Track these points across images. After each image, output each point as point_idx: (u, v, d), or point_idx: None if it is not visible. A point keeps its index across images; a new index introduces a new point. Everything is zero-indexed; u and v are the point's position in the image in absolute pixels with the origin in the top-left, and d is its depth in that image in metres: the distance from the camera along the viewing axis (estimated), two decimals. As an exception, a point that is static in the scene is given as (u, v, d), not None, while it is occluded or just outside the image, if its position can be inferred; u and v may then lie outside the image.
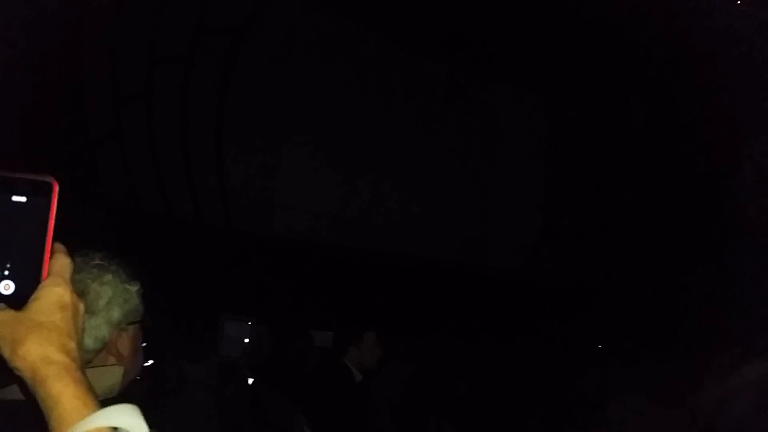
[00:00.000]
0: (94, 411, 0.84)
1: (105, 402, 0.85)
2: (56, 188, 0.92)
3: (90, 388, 0.87)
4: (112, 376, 1.54)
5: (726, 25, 5.95)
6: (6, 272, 0.90)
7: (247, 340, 4.25)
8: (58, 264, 0.93)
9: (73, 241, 1.01)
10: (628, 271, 7.84)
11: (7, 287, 0.90)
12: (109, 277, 1.55)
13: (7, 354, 0.87)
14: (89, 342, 1.50)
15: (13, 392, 1.38)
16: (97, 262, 1.55)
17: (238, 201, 7.04)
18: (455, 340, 6.11)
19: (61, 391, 0.85)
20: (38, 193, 0.91)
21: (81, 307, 0.94)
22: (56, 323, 0.89)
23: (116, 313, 1.54)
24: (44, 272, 0.92)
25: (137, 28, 6.26)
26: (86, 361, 1.50)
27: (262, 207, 7.26)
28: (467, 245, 8.37)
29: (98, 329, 1.52)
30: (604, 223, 8.47)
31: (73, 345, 0.89)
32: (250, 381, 4.54)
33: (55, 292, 0.91)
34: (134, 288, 1.59)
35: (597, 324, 6.85)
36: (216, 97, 6.82)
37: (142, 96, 6.41)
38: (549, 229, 8.70)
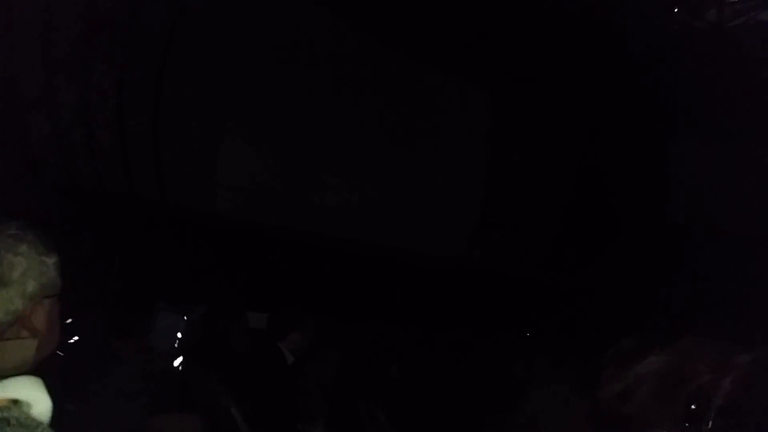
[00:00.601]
0: None
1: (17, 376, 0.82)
2: None
3: None
4: (24, 349, 1.48)
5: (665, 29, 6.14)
6: None
7: (179, 335, 4.19)
8: None
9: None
10: (558, 262, 8.06)
11: None
12: (24, 247, 1.50)
13: None
14: (1, 314, 1.45)
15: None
16: (12, 232, 1.50)
17: (174, 176, 6.89)
18: (388, 324, 6.17)
19: None
20: None
21: None
22: None
23: (31, 286, 1.49)
24: None
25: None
26: (-2, 334, 1.45)
27: (200, 183, 7.14)
28: (405, 231, 8.43)
29: (11, 302, 1.47)
30: (539, 215, 8.67)
31: None
32: (179, 360, 4.49)
33: None
34: (51, 260, 1.54)
35: (527, 313, 7.03)
36: (155, 65, 6.64)
37: (76, 62, 6.18)
38: (487, 219, 8.85)
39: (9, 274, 1.47)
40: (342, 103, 7.81)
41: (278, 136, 7.56)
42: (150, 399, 3.55)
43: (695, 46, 6.41)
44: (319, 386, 5.01)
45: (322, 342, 5.20)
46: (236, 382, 4.20)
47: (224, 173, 7.25)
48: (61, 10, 5.95)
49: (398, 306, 7.22)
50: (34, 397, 0.84)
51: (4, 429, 0.80)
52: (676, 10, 6.16)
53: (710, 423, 1.29)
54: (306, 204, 7.72)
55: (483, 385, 4.80)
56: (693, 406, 1.32)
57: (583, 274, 7.56)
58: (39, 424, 0.85)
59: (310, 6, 7.52)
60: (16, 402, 0.82)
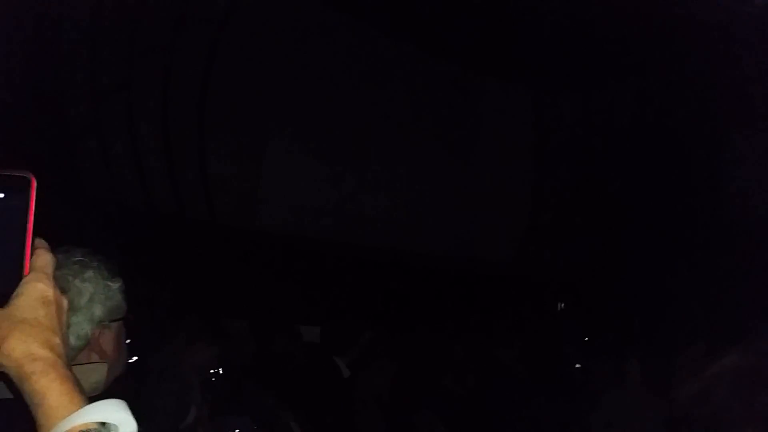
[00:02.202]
0: (81, 406, 0.83)
1: (90, 400, 0.84)
2: (34, 183, 0.89)
3: (77, 384, 0.85)
4: (96, 373, 1.51)
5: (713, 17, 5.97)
6: None
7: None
8: (40, 260, 0.90)
9: (55, 237, 1.00)
10: (614, 264, 7.89)
11: None
12: (90, 273, 1.52)
13: None
14: (72, 340, 1.47)
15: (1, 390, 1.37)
16: (78, 258, 1.52)
17: (221, 195, 6.99)
18: (443, 334, 6.11)
19: (47, 387, 0.83)
20: (16, 189, 0.88)
21: (65, 302, 0.92)
22: (39, 319, 0.87)
23: (98, 310, 1.51)
24: (26, 268, 0.89)
25: (117, 19, 6.18)
26: (70, 359, 1.48)
27: (245, 201, 7.22)
28: (455, 239, 8.38)
29: (80, 326, 1.49)
30: (591, 217, 8.51)
31: (57, 341, 0.87)
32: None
33: (37, 288, 0.88)
34: (116, 285, 1.56)
35: (583, 317, 6.89)
36: (198, 88, 6.76)
37: (122, 89, 6.34)
38: (536, 223, 8.74)
39: (77, 300, 1.49)
40: (387, 113, 7.82)
41: (322, 149, 7.61)
42: (208, 415, 3.58)
43: (745, 33, 6.20)
44: (375, 398, 4.99)
45: (377, 354, 5.18)
46: (293, 396, 4.21)
47: (269, 190, 7.33)
48: (106, 39, 6.11)
49: (452, 314, 7.15)
50: (120, 419, 0.84)
51: None
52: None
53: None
54: (354, 216, 7.74)
55: (544, 391, 4.72)
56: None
57: (640, 276, 7.38)
58: None
59: (350, 19, 7.58)
60: (104, 425, 0.82)
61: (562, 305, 6.74)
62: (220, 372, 4.06)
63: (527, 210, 8.80)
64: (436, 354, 5.54)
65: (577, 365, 5.66)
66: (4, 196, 0.88)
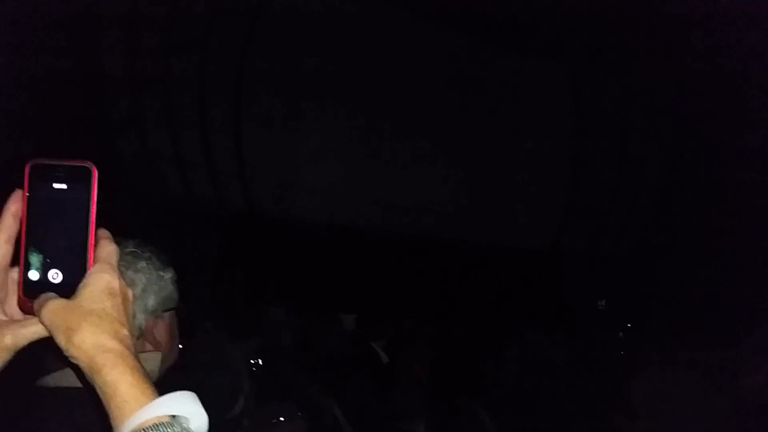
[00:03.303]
0: (152, 399, 0.83)
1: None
2: (95, 173, 0.90)
3: (146, 375, 0.86)
4: (150, 363, 1.52)
5: None
6: (53, 261, 0.88)
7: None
8: (105, 250, 0.90)
9: (107, 226, 1.00)
10: (663, 247, 7.74)
11: (55, 276, 0.88)
12: (143, 264, 1.53)
13: (62, 343, 0.85)
14: (125, 330, 1.49)
15: (66, 377, 1.39)
16: (130, 249, 1.54)
17: (258, 185, 7.04)
18: (481, 321, 6.08)
19: (119, 380, 0.83)
20: (78, 180, 0.89)
21: (130, 293, 0.93)
22: (107, 310, 0.87)
23: (151, 301, 1.53)
24: (90, 259, 0.89)
25: (154, 13, 6.24)
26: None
27: (282, 191, 7.26)
28: (493, 225, 8.30)
29: (133, 317, 1.50)
30: (633, 198, 8.36)
31: (125, 332, 0.88)
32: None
33: (103, 279, 0.89)
34: (168, 275, 1.57)
35: (625, 301, 6.78)
36: (233, 79, 6.80)
37: (160, 82, 6.41)
38: (575, 206, 8.61)
39: (131, 290, 1.50)
40: (425, 98, 7.76)
41: (359, 138, 7.61)
42: (251, 402, 3.61)
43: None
44: (416, 384, 4.99)
45: (415, 340, 5.18)
46: (335, 383, 4.23)
47: (306, 180, 7.36)
48: (143, 33, 6.18)
49: (489, 301, 7.11)
50: (192, 412, 0.84)
51: None
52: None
53: None
54: (389, 204, 7.72)
55: (585, 377, 4.67)
56: None
57: (681, 260, 7.24)
58: None
59: (385, 3, 7.52)
60: (174, 417, 0.82)
61: (603, 303, 6.64)
62: (261, 362, 4.10)
63: (565, 196, 8.68)
64: (474, 341, 5.51)
65: (621, 333, 5.59)
66: (67, 187, 0.89)
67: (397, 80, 7.60)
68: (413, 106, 7.68)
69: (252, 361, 4.24)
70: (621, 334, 5.58)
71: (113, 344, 0.85)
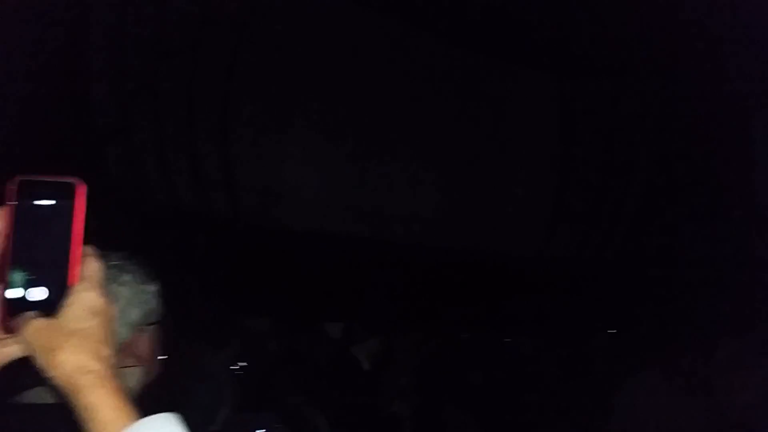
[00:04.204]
0: (133, 421, 0.83)
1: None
2: (83, 190, 0.89)
3: (127, 397, 0.86)
4: (131, 378, 1.52)
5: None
6: (37, 278, 0.88)
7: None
8: (90, 268, 0.91)
9: (90, 242, 1.00)
10: (643, 253, 7.79)
11: (38, 294, 0.88)
12: (126, 277, 1.53)
13: (44, 363, 0.85)
14: (109, 344, 1.49)
15: (41, 395, 1.38)
16: (115, 262, 1.54)
17: (244, 193, 7.02)
18: (468, 328, 6.10)
19: (99, 402, 0.83)
20: (64, 196, 0.89)
21: (113, 311, 0.93)
22: (90, 330, 0.87)
23: (134, 315, 1.53)
24: (74, 277, 0.89)
25: (142, 20, 6.23)
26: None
27: (268, 199, 7.25)
28: (478, 233, 8.33)
29: (117, 331, 1.50)
30: (621, 203, 8.41)
31: (107, 352, 0.88)
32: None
33: (87, 297, 0.89)
34: (152, 288, 1.58)
35: (609, 307, 6.82)
36: (222, 87, 6.79)
37: (146, 90, 6.38)
38: (562, 213, 8.65)
39: (113, 304, 1.50)
40: (410, 105, 7.78)
41: (345, 145, 7.61)
42: (233, 412, 3.59)
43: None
44: (400, 393, 4.99)
45: (400, 350, 5.19)
46: (319, 393, 4.22)
47: (292, 187, 7.35)
48: (129, 43, 6.16)
49: (476, 309, 7.12)
50: None
51: None
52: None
53: None
54: (375, 212, 7.73)
55: (569, 384, 4.69)
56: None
57: (668, 264, 7.30)
58: None
59: (371, 10, 7.54)
60: None
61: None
62: (244, 371, 4.08)
63: (551, 203, 8.72)
64: (461, 349, 5.53)
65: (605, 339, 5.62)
66: (53, 204, 0.89)
67: (383, 88, 7.62)
68: (399, 114, 7.71)
69: (233, 368, 4.22)
70: (605, 339, 5.61)
71: (95, 365, 0.85)
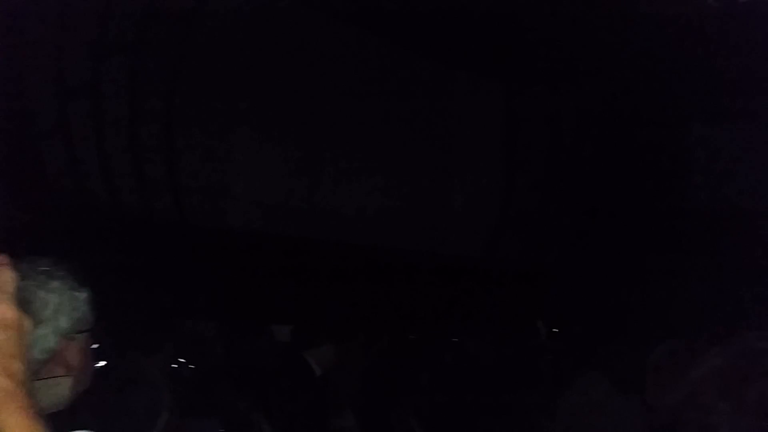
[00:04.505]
0: None
1: (54, 415, 0.79)
2: None
3: (36, 414, 0.81)
4: (61, 387, 1.46)
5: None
6: None
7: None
8: (1, 279, 0.86)
9: (20, 247, 0.95)
10: (588, 255, 7.97)
11: None
12: (56, 283, 1.47)
13: None
14: (36, 353, 1.42)
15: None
16: (43, 268, 1.47)
17: (190, 194, 6.88)
18: (415, 330, 6.11)
19: (5, 421, 0.79)
20: None
21: (27, 324, 0.87)
22: (0, 344, 0.82)
23: (64, 322, 1.47)
24: None
25: (83, 17, 6.04)
26: (33, 372, 1.43)
27: (214, 200, 7.13)
28: (424, 234, 8.38)
29: (45, 339, 1.44)
30: (563, 207, 8.59)
31: (17, 366, 0.83)
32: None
33: None
34: (83, 295, 1.52)
35: (553, 310, 6.95)
36: (166, 85, 6.64)
37: (88, 88, 6.19)
38: (507, 217, 8.78)
39: (42, 311, 1.44)
40: (357, 107, 7.77)
41: (293, 145, 7.54)
42: (175, 417, 3.51)
43: (708, 25, 6.30)
44: (348, 397, 4.97)
45: (347, 352, 5.16)
46: (265, 397, 4.16)
47: (239, 188, 7.25)
48: (72, 39, 5.97)
49: (424, 311, 7.16)
50: None
51: None
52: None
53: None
54: (323, 213, 7.69)
55: (515, 386, 4.75)
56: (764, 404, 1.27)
57: (607, 268, 7.48)
58: None
59: (318, 12, 7.50)
60: None
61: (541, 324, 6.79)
62: (187, 374, 4.01)
63: (498, 204, 8.84)
64: (408, 351, 5.54)
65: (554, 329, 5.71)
66: None
67: (330, 89, 7.59)
68: (345, 116, 7.69)
69: (179, 373, 4.14)
70: (548, 339, 5.72)
71: (3, 382, 0.80)
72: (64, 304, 1.47)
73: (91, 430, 0.82)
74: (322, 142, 7.72)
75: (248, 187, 7.25)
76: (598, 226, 8.26)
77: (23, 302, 0.88)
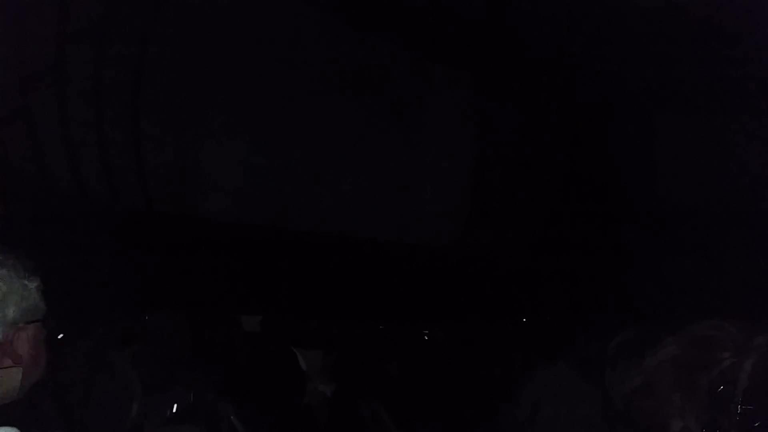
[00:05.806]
0: None
1: (4, 408, 0.77)
2: None
3: None
4: (10, 379, 1.42)
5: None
6: None
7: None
8: None
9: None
10: (551, 248, 8.06)
11: None
12: (3, 272, 1.43)
13: None
14: (-19, 344, 1.39)
15: None
16: (-10, 256, 1.43)
17: (157, 182, 6.78)
18: (384, 320, 6.12)
19: None
20: None
21: None
22: None
23: (11, 312, 1.43)
24: None
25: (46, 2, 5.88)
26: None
27: (182, 188, 7.03)
28: (395, 225, 8.38)
29: None
30: (530, 200, 8.66)
31: None
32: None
33: None
34: (33, 284, 1.48)
35: (523, 301, 7.01)
36: (132, 71, 6.52)
37: (52, 73, 6.04)
38: (478, 207, 8.83)
39: None
40: (324, 96, 7.72)
41: (262, 133, 7.47)
42: (146, 409, 3.48)
43: (673, 19, 6.37)
44: (317, 386, 4.98)
45: (318, 342, 5.17)
46: (236, 388, 4.15)
47: (210, 175, 7.16)
48: (33, 22, 5.81)
49: (393, 301, 7.17)
50: None
51: None
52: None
53: (739, 407, 1.25)
54: (293, 201, 7.64)
55: (484, 377, 4.78)
56: (718, 392, 1.28)
57: (576, 260, 7.56)
58: None
59: (293, 3, 7.43)
60: None
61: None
62: (154, 366, 3.97)
63: (468, 196, 8.88)
64: (376, 340, 5.55)
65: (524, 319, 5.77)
66: None
67: (305, 77, 7.52)
68: (318, 104, 7.64)
69: (145, 364, 4.08)
70: (516, 328, 5.77)
71: None
72: (13, 293, 1.44)
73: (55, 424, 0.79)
74: (292, 131, 7.66)
75: (217, 175, 7.17)
76: (567, 218, 8.34)
77: None
